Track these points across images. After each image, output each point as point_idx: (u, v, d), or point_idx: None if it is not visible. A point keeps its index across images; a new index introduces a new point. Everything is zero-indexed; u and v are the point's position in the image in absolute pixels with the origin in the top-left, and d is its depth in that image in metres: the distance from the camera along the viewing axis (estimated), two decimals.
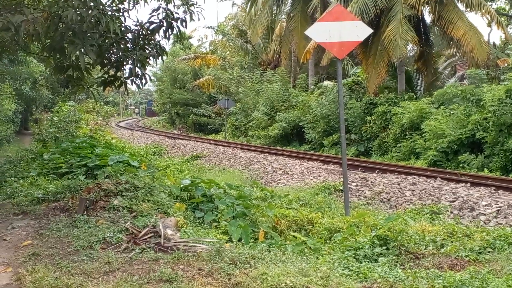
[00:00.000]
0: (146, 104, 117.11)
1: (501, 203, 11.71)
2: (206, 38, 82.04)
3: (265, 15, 38.23)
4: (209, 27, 70.95)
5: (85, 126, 27.06)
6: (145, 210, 7.85)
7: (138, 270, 5.56)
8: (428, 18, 28.49)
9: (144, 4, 9.39)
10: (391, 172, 17.19)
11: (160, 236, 6.55)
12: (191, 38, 73.36)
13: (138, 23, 9.30)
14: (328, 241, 8.02)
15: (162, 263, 5.75)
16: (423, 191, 13.56)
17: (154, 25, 9.20)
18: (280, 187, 15.93)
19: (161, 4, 9.07)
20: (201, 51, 64.67)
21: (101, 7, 8.08)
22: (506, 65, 28.00)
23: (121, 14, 9.08)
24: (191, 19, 9.16)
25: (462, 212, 11.57)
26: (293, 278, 5.21)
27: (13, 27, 7.25)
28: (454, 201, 12.29)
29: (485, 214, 11.19)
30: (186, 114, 56.02)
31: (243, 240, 7.58)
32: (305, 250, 7.44)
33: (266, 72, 39.63)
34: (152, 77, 61.37)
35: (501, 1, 40.25)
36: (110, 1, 9.10)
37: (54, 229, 7.24)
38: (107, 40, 8.88)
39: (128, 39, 9.32)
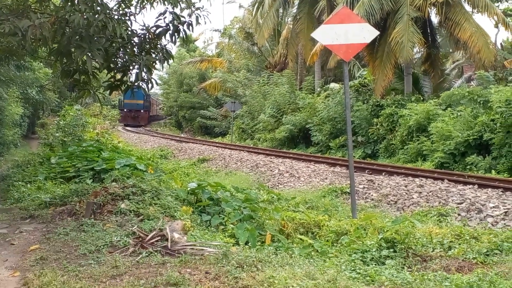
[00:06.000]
0: (119, 101, 65.06)
1: (509, 205, 11.67)
2: (211, 40, 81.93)
3: (272, 18, 38.28)
4: (215, 30, 71.13)
5: (92, 130, 27.08)
6: (152, 214, 7.85)
7: (145, 273, 5.57)
8: (435, 19, 28.45)
9: (151, 8, 9.38)
10: (398, 174, 17.15)
11: (167, 240, 6.56)
12: (196, 40, 73.53)
13: (144, 27, 9.32)
14: (335, 244, 8.01)
15: (169, 267, 5.75)
16: (430, 193, 13.52)
17: (160, 29, 9.21)
18: (287, 190, 15.92)
19: (167, 8, 9.08)
20: (207, 54, 64.87)
21: (107, 11, 8.11)
22: None
23: (127, 18, 9.10)
24: (198, 22, 9.16)
25: (470, 214, 11.54)
26: (300, 282, 5.21)
27: (20, 32, 7.29)
28: (461, 203, 12.25)
29: (492, 216, 11.16)
30: (193, 117, 56.18)
31: (250, 243, 7.58)
32: (312, 253, 7.42)
33: (272, 75, 39.67)
34: (158, 81, 61.34)
35: (508, 2, 40.14)
36: (116, 6, 9.12)
37: (61, 233, 7.26)
38: (113, 45, 8.90)
39: (134, 43, 9.34)
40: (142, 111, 66.47)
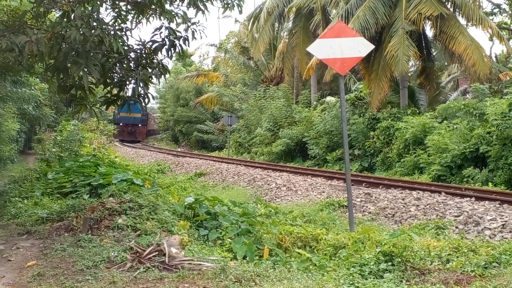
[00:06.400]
0: (114, 115, 57.77)
1: (506, 217, 11.67)
2: (207, 55, 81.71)
3: (267, 32, 38.34)
4: (211, 45, 71.03)
5: (88, 145, 27.05)
6: (149, 229, 7.84)
7: None
8: (429, 33, 28.63)
9: (147, 23, 9.42)
10: (395, 187, 17.13)
11: (164, 255, 6.54)
12: (193, 55, 73.67)
13: (140, 42, 9.34)
14: (333, 258, 7.99)
15: (167, 282, 5.73)
16: (427, 206, 13.50)
17: (156, 44, 9.24)
18: (284, 203, 15.88)
19: (163, 23, 9.12)
20: (203, 68, 64.94)
21: (104, 26, 8.14)
22: (508, 78, 28.06)
23: (123, 33, 9.13)
24: (194, 37, 9.18)
25: (467, 227, 11.53)
26: None
27: (17, 48, 7.30)
28: (459, 216, 12.24)
29: (490, 229, 11.14)
30: (190, 132, 56.20)
31: (247, 257, 7.55)
32: (310, 267, 7.41)
33: (268, 89, 39.73)
34: (155, 95, 61.09)
35: (503, 16, 40.37)
36: (113, 21, 9.16)
37: (58, 249, 7.24)
38: (110, 60, 8.92)
39: (131, 58, 9.36)
40: (140, 125, 61.78)
